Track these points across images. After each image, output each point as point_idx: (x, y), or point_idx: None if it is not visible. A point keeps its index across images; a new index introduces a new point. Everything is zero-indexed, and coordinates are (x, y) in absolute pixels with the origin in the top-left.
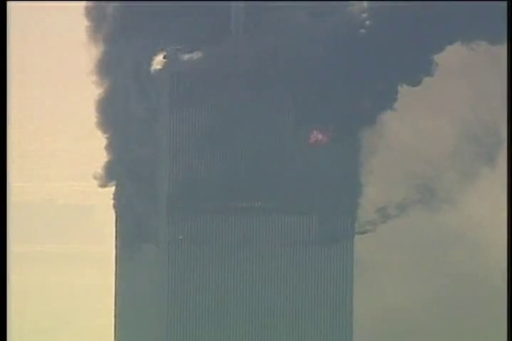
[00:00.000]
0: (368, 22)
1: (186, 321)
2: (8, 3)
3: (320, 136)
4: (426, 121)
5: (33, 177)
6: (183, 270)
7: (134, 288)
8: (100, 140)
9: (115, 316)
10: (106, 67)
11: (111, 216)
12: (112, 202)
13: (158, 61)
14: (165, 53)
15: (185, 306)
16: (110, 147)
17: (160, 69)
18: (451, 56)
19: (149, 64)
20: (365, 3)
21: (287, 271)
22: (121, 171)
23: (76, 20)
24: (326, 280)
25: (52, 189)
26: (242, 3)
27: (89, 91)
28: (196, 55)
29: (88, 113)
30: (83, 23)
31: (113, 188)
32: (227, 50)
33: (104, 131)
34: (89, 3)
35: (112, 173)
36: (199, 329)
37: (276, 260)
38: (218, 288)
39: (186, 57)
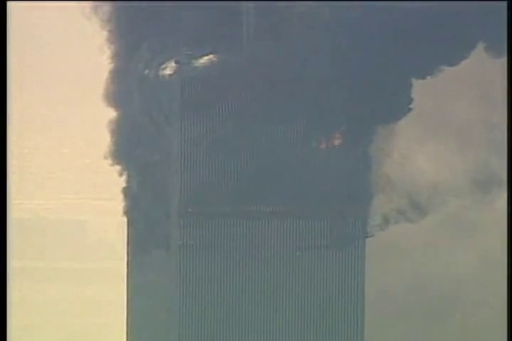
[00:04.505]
0: (380, 24)
1: (198, 325)
2: (8, 3)
3: (331, 140)
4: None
5: (26, 194)
6: (195, 274)
7: (145, 294)
8: (100, 153)
9: (127, 321)
10: (112, 72)
11: (107, 231)
12: (106, 217)
13: (168, 66)
14: (176, 58)
15: (196, 310)
16: (120, 152)
17: (170, 75)
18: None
19: (160, 69)
20: (377, 4)
21: (298, 275)
22: (132, 177)
23: (77, 20)
24: (337, 285)
25: (47, 205)
26: (251, 3)
27: (92, 95)
28: (207, 60)
29: (88, 123)
30: (85, 24)
31: (109, 202)
32: (238, 55)
33: (113, 136)
34: (92, 4)
35: (122, 179)
36: (210, 333)
37: (287, 264)
38: (229, 293)
39: (198, 62)
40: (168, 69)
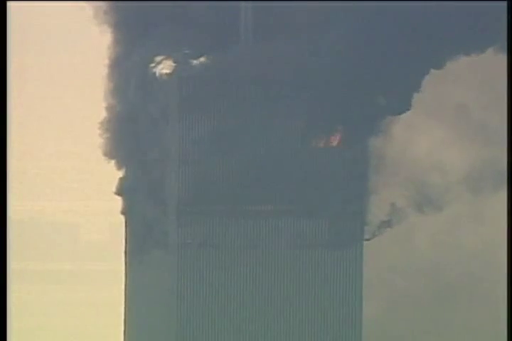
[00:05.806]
0: (378, 24)
1: (197, 323)
2: (8, 3)
3: (330, 139)
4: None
5: (24, 195)
6: (193, 273)
7: (143, 292)
8: (99, 153)
9: (125, 320)
10: (111, 70)
11: (106, 231)
12: (105, 217)
13: (166, 65)
14: (173, 57)
15: (194, 309)
16: (118, 152)
17: (168, 74)
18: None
19: (158, 68)
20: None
21: (297, 274)
22: (130, 176)
23: (77, 20)
24: (336, 284)
25: (41, 207)
26: (250, 4)
27: (92, 95)
28: (205, 60)
29: (88, 124)
30: (85, 24)
31: (107, 202)
32: (236, 55)
33: (111, 136)
34: (92, 4)
35: (120, 179)
36: (208, 332)
37: (286, 263)
38: (227, 291)
39: (195, 61)
40: (167, 68)
